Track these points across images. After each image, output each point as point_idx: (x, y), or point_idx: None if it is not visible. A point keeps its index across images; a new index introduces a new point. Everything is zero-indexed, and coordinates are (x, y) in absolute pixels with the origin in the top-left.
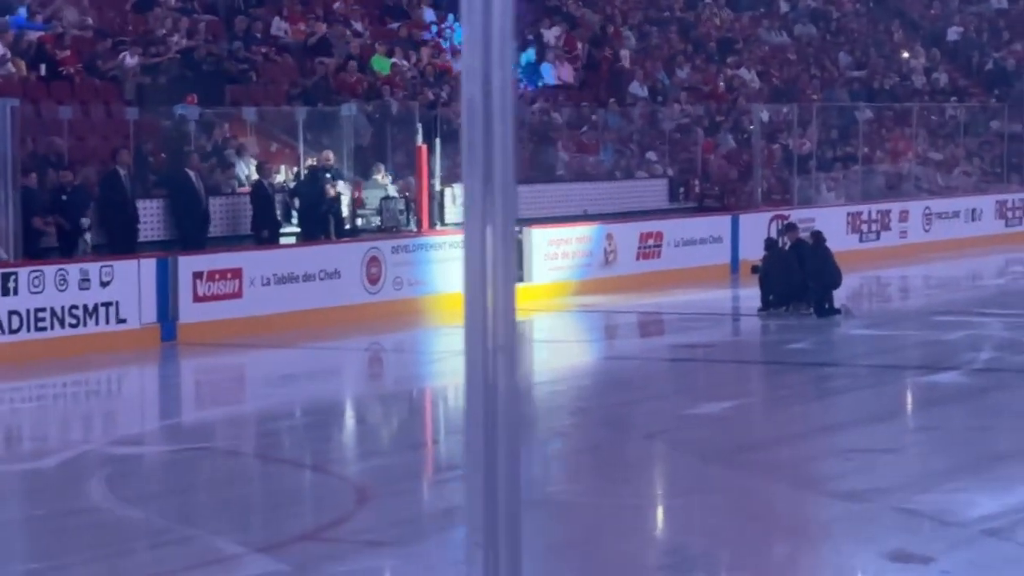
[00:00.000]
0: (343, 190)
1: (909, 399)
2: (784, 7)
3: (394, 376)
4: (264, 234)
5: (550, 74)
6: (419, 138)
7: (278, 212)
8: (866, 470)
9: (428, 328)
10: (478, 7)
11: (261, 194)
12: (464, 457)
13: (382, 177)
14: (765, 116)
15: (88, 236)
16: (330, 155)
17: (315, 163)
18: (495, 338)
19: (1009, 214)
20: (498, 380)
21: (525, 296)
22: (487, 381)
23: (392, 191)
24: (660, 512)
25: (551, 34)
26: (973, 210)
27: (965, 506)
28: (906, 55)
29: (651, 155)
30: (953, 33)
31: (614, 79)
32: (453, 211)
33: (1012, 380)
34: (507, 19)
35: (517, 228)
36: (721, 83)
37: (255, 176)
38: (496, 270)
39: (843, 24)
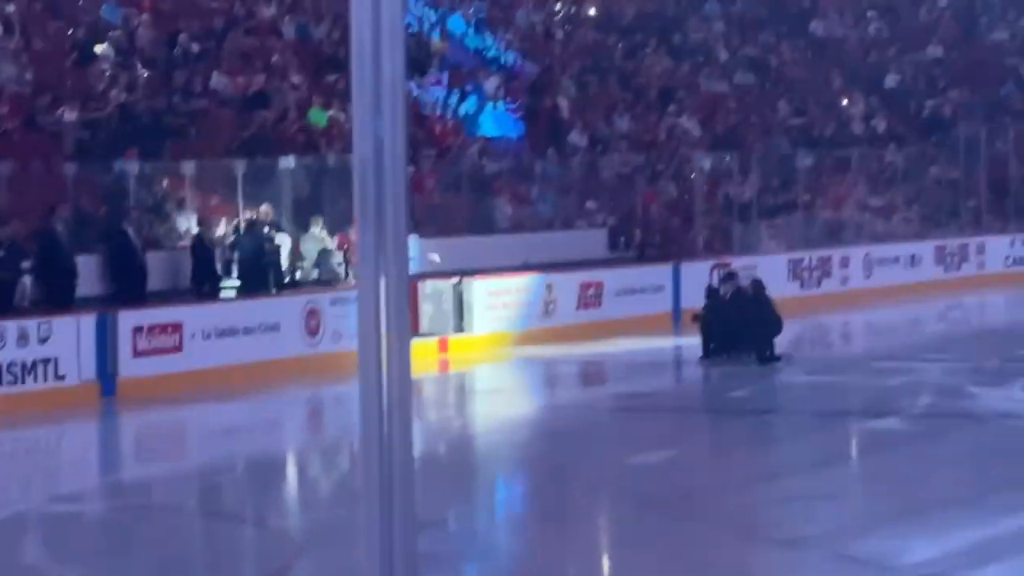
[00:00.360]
0: (282, 243)
1: (850, 445)
2: (723, 55)
3: (334, 428)
4: (204, 288)
5: (490, 124)
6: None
7: (218, 266)
8: (806, 517)
9: None
10: (367, 62)
11: (201, 248)
12: (360, 515)
13: (320, 230)
14: (706, 164)
15: (27, 280)
16: (269, 208)
17: (254, 216)
18: (390, 392)
19: (948, 259)
20: (393, 436)
21: (466, 347)
22: (382, 437)
23: (330, 244)
24: (602, 561)
25: (490, 84)
26: (913, 256)
27: (903, 552)
28: (845, 102)
29: (591, 204)
30: (891, 80)
31: (554, 128)
32: None
33: (951, 426)
34: (397, 74)
35: (457, 279)
36: (662, 132)
37: (195, 230)
38: (390, 323)
39: (782, 72)
